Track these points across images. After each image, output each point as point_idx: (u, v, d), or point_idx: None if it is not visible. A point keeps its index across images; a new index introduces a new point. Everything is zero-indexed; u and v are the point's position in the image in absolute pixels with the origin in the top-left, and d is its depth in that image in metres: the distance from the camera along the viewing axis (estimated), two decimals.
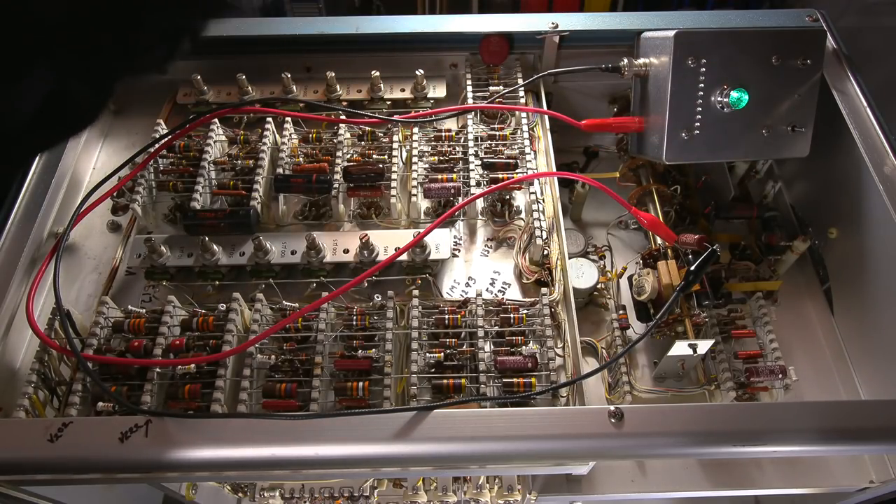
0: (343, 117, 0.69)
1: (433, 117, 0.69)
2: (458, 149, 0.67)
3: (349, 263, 0.61)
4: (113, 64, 0.42)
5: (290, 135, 0.69)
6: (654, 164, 0.70)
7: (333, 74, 0.72)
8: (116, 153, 0.73)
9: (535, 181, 0.64)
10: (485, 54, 0.73)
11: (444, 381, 0.53)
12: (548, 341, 0.55)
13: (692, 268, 0.56)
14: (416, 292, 0.58)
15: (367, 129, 0.68)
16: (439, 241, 0.61)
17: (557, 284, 0.59)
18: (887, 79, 0.75)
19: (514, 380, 0.53)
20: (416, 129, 0.68)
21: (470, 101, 0.70)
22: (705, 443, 0.47)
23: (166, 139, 0.65)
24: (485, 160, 0.66)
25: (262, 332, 0.53)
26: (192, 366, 0.54)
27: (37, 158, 0.64)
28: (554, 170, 0.66)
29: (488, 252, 0.65)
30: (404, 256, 0.59)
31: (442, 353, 0.54)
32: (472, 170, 0.65)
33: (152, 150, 0.65)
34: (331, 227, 0.66)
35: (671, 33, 0.57)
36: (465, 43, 0.74)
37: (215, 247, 0.60)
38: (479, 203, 0.66)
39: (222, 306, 0.56)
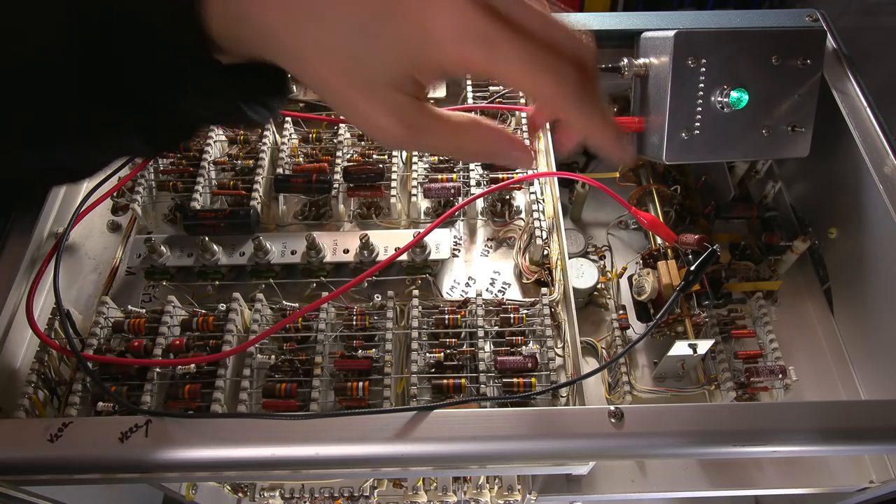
0: (343, 117, 0.69)
1: None
2: None
3: (349, 263, 0.61)
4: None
5: (290, 135, 0.69)
6: (654, 164, 0.70)
7: None
8: None
9: (535, 181, 0.64)
10: None
11: (444, 381, 0.53)
12: (548, 341, 0.55)
13: (692, 268, 0.56)
14: (416, 292, 0.58)
15: None
16: (439, 241, 0.61)
17: (557, 284, 0.59)
18: (887, 79, 0.75)
19: (514, 380, 0.53)
20: None
21: (470, 101, 0.70)
22: (705, 443, 0.47)
23: None
24: None
25: (262, 332, 0.53)
26: (192, 366, 0.54)
27: None
28: (554, 170, 0.66)
29: (488, 252, 0.65)
30: (404, 256, 0.59)
31: (442, 353, 0.54)
32: (472, 170, 0.65)
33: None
34: (331, 227, 0.66)
35: (671, 33, 0.57)
36: None
37: (215, 247, 0.60)
38: (479, 203, 0.66)
39: (222, 306, 0.56)
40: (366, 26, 0.30)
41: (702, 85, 0.58)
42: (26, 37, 0.30)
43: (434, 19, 0.30)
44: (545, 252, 0.61)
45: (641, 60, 0.61)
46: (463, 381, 0.53)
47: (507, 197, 0.67)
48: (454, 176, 0.64)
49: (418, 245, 0.60)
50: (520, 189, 0.67)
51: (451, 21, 0.30)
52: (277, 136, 0.69)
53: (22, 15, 0.30)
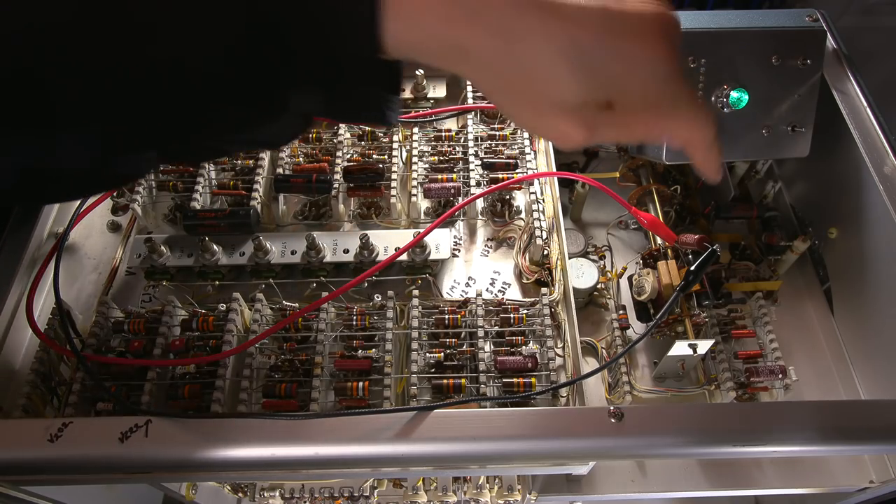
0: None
1: (433, 117, 0.69)
2: (458, 149, 0.67)
3: (349, 263, 0.61)
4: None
5: None
6: (654, 164, 0.70)
7: None
8: None
9: (535, 181, 0.64)
10: None
11: (444, 381, 0.53)
12: (548, 341, 0.55)
13: (692, 268, 0.56)
14: (416, 292, 0.58)
15: (367, 129, 0.68)
16: (439, 241, 0.61)
17: (557, 284, 0.59)
18: (887, 79, 0.75)
19: (514, 380, 0.53)
20: (416, 129, 0.68)
21: (470, 100, 0.70)
22: (705, 443, 0.47)
23: None
24: (485, 160, 0.66)
25: (262, 332, 0.53)
26: (192, 366, 0.54)
27: None
28: (554, 170, 0.66)
29: (488, 252, 0.65)
30: (404, 256, 0.59)
31: (442, 353, 0.54)
32: (472, 170, 0.65)
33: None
34: (331, 227, 0.66)
35: None
36: None
37: (215, 247, 0.60)
38: (479, 203, 0.66)
39: (222, 306, 0.56)
40: (576, 54, 0.32)
41: (702, 85, 0.58)
42: (209, 41, 0.32)
43: (640, 68, 0.33)
44: (545, 252, 0.61)
45: None
46: (463, 381, 0.53)
47: (507, 197, 0.67)
48: (454, 176, 0.64)
49: (418, 245, 0.60)
50: (520, 189, 0.67)
51: (653, 75, 0.33)
52: None
53: (206, 20, 0.32)
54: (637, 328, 0.65)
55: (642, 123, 0.36)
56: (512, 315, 0.57)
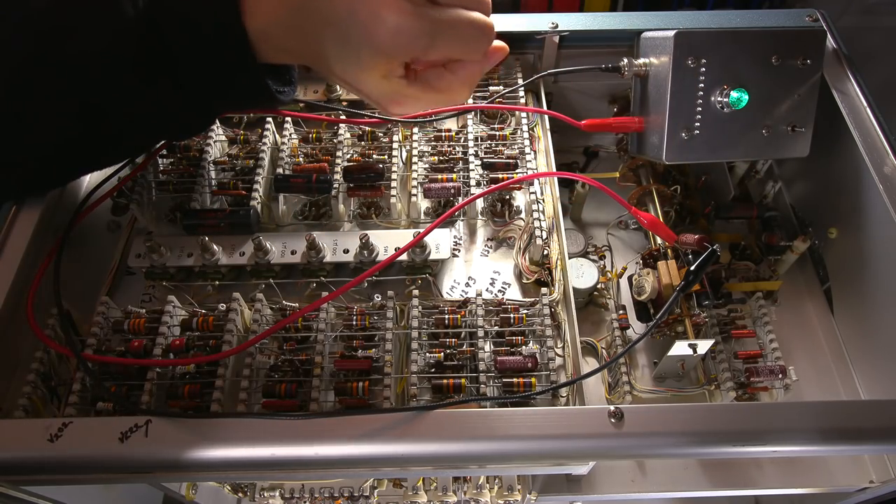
0: (343, 117, 0.69)
1: (433, 117, 0.69)
2: (458, 149, 0.67)
3: (349, 263, 0.61)
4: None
5: (290, 135, 0.69)
6: (654, 164, 0.70)
7: None
8: None
9: (535, 181, 0.64)
10: None
11: (444, 381, 0.53)
12: (548, 341, 0.55)
13: (692, 268, 0.56)
14: (416, 292, 0.58)
15: (367, 129, 0.68)
16: (439, 241, 0.61)
17: (557, 284, 0.59)
18: (887, 79, 0.76)
19: (514, 380, 0.53)
20: (416, 129, 0.68)
21: (470, 101, 0.70)
22: (705, 443, 0.47)
23: None
24: (485, 160, 0.66)
25: (262, 332, 0.53)
26: (192, 366, 0.54)
27: None
28: (554, 170, 0.66)
29: (488, 252, 0.65)
30: (404, 256, 0.59)
31: (442, 353, 0.54)
32: (472, 170, 0.65)
33: (152, 150, 0.65)
34: (331, 227, 0.66)
35: (671, 33, 0.57)
36: None
37: (215, 247, 0.60)
38: (479, 203, 0.66)
39: (222, 306, 0.56)
40: (339, 32, 0.41)
41: (702, 85, 0.58)
42: (90, 35, 0.43)
43: (381, 24, 0.40)
44: (545, 252, 0.61)
45: (641, 60, 0.61)
46: (463, 381, 0.53)
47: (507, 197, 0.67)
48: (454, 176, 0.64)
49: (418, 245, 0.60)
50: (520, 189, 0.67)
51: (394, 25, 0.40)
52: (277, 136, 0.69)
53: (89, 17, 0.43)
54: (637, 328, 0.65)
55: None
56: (512, 315, 0.57)
